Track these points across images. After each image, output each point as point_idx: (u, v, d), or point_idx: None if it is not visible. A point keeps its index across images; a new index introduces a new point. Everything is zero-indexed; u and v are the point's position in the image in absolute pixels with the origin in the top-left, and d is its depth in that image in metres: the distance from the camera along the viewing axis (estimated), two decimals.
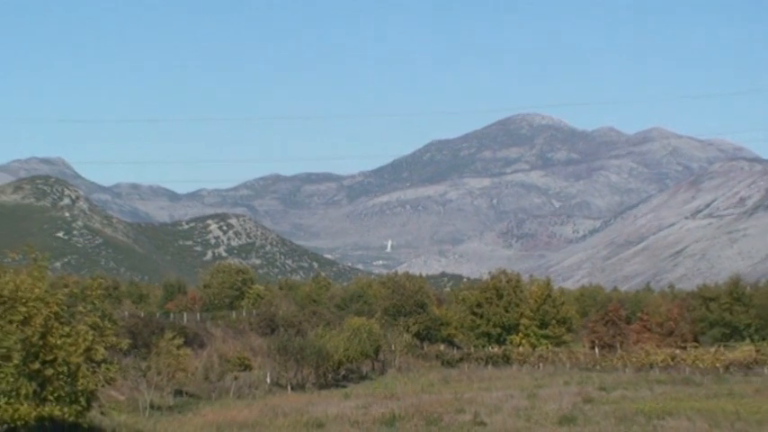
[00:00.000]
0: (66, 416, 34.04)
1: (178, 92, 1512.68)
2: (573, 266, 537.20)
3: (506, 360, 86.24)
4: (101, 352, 35.34)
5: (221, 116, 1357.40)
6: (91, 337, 34.66)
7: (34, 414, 32.77)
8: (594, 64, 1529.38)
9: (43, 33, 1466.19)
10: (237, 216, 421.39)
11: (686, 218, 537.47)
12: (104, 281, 61.46)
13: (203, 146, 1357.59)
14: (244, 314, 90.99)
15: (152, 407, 48.32)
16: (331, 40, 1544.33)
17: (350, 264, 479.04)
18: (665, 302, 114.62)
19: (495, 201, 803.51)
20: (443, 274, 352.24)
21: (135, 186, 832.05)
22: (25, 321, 33.09)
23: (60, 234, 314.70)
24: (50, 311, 33.85)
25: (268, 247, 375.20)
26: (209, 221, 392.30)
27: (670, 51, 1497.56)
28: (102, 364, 35.87)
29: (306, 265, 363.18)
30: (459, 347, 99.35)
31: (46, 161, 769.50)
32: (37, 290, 33.86)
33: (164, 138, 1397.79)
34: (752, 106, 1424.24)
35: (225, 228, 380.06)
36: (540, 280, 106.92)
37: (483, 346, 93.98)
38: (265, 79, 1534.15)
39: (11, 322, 32.90)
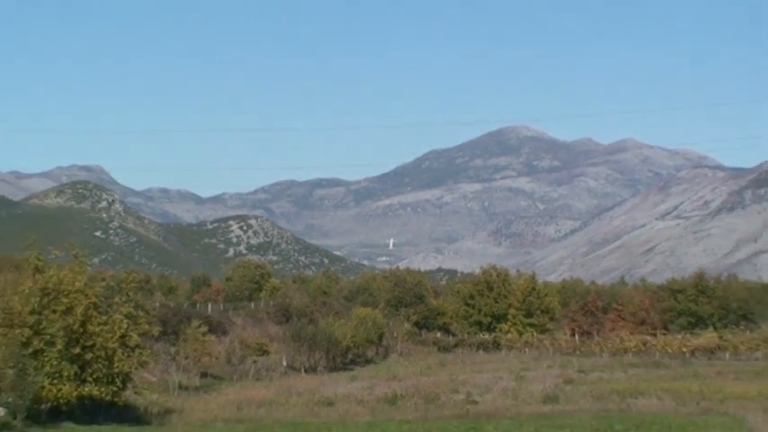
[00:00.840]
0: (104, 395, 34.12)
1: (203, 106, 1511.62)
2: (555, 262, 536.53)
3: (496, 346, 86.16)
4: (134, 338, 35.44)
5: (241, 128, 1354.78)
6: (126, 325, 34.76)
7: (75, 393, 32.86)
8: (574, 81, 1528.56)
9: (82, 53, 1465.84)
10: (256, 217, 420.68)
11: (656, 219, 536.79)
12: (137, 275, 61.51)
13: (226, 154, 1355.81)
14: (262, 305, 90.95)
15: (180, 387, 48.38)
16: (339, 63, 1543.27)
17: (357, 260, 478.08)
18: (638, 294, 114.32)
19: (486, 204, 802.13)
20: (440, 270, 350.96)
21: (164, 191, 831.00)
22: (67, 311, 33.18)
23: (98, 233, 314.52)
24: (90, 302, 33.95)
25: (283, 245, 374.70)
26: (231, 222, 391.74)
27: (641, 68, 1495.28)
28: (136, 349, 35.96)
29: (317, 261, 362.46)
30: (453, 334, 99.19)
31: (85, 168, 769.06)
32: (78, 283, 33.96)
33: (190, 147, 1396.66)
34: (715, 118, 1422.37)
35: (245, 228, 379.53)
36: (526, 274, 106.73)
37: (475, 334, 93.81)
38: (281, 95, 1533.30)
39: (54, 312, 33.00)
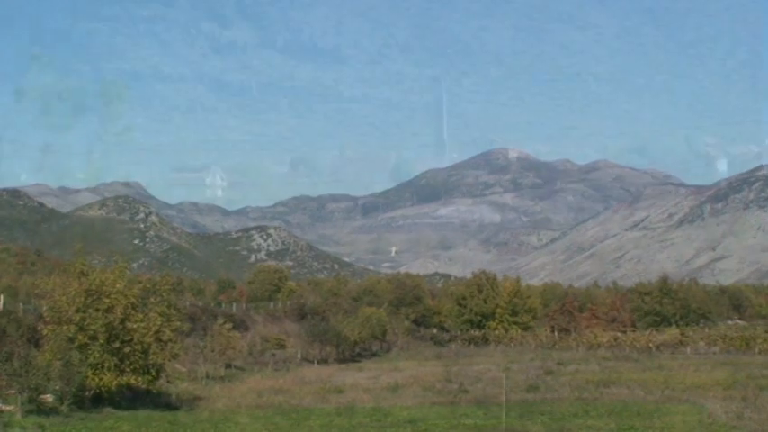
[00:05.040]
0: (141, 384, 34.16)
1: (226, 132, 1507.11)
2: (537, 268, 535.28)
3: (485, 341, 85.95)
4: (168, 333, 35.47)
5: (261, 150, 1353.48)
6: (160, 322, 34.79)
7: (115, 382, 32.88)
8: (554, 109, 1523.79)
9: (126, 85, 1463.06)
10: (275, 228, 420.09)
11: (626, 230, 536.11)
12: (170, 278, 61.34)
13: (248, 172, 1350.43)
14: (280, 304, 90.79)
15: (208, 377, 48.32)
16: (348, 94, 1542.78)
17: (363, 265, 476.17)
18: (609, 296, 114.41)
19: (477, 216, 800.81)
20: (436, 274, 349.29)
21: (195, 204, 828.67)
22: (109, 309, 33.23)
23: (136, 241, 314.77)
24: (128, 302, 34.01)
25: (299, 252, 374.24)
26: (253, 232, 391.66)
27: (614, 98, 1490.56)
28: (169, 343, 35.98)
29: (328, 266, 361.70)
30: (448, 331, 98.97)
31: (125, 184, 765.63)
32: (118, 285, 34.02)
33: (217, 166, 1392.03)
34: (678, 142, 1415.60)
35: (265, 237, 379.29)
36: (512, 278, 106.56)
37: (467, 330, 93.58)
38: (296, 120, 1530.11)
39: (97, 310, 33.05)
